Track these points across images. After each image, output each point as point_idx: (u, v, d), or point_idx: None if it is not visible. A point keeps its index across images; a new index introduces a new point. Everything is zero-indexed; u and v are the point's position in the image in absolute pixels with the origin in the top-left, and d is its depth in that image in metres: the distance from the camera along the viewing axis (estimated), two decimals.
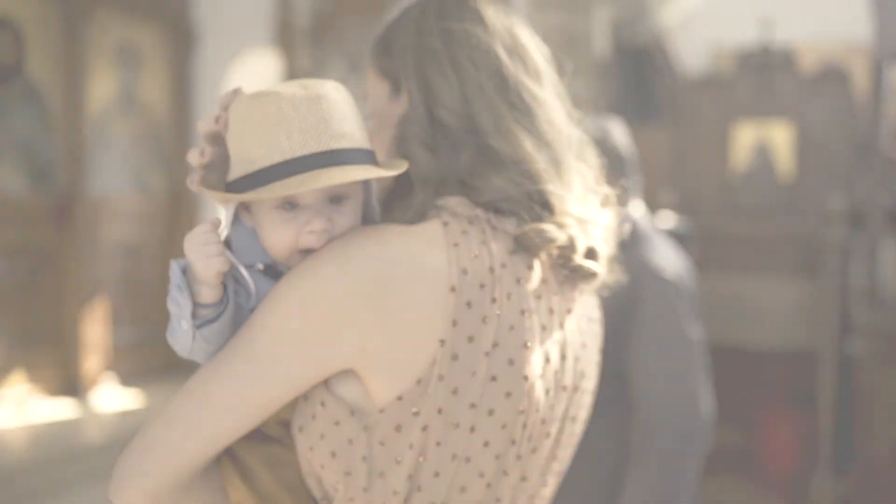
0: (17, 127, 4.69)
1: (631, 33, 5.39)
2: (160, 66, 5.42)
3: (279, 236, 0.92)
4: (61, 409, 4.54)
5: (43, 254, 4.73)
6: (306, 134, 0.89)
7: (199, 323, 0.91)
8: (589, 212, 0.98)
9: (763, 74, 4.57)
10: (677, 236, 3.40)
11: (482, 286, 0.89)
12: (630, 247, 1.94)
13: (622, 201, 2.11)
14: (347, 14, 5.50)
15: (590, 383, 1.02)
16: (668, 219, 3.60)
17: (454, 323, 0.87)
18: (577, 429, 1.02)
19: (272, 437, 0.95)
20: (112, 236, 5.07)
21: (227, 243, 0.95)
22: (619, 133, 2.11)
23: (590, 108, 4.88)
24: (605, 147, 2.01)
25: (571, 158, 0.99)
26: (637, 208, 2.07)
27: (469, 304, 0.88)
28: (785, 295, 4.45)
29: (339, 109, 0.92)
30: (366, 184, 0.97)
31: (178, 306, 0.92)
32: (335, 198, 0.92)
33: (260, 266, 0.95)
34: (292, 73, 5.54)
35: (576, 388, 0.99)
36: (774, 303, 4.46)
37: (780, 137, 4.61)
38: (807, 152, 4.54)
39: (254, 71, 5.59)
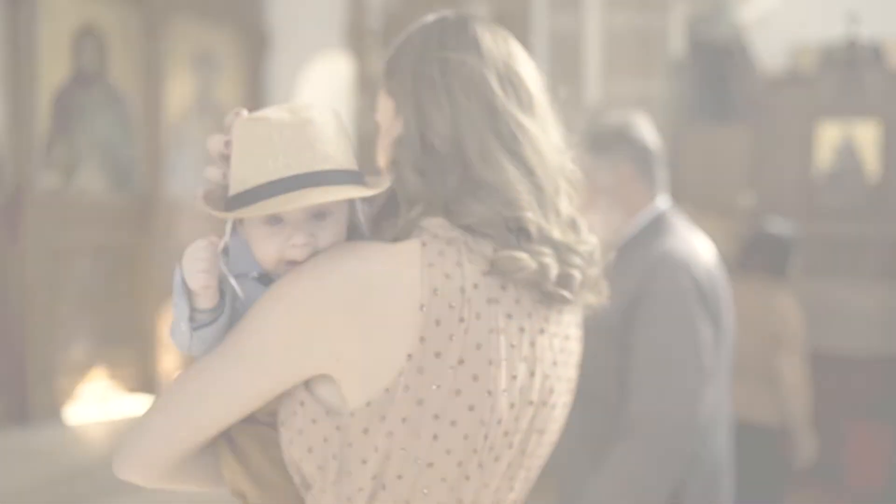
0: (99, 130, 4.83)
1: (707, 31, 5.25)
2: (235, 70, 5.51)
3: (265, 249, 1.01)
4: (140, 405, 4.66)
5: (122, 254, 4.86)
6: (290, 157, 0.98)
7: (195, 326, 1.01)
8: (570, 238, 1.03)
9: (849, 71, 4.40)
10: (787, 241, 3.29)
11: (451, 306, 0.95)
12: (652, 239, 1.96)
13: (651, 194, 2.06)
14: (418, 15, 5.51)
15: (560, 398, 1.07)
16: (777, 224, 3.47)
17: (422, 339, 0.94)
18: (546, 439, 1.08)
19: (263, 420, 1.03)
20: (189, 236, 5.15)
21: (226, 252, 1.04)
22: (644, 127, 2.09)
23: (663, 109, 4.76)
24: (628, 140, 2.03)
25: (559, 185, 1.04)
26: (664, 201, 2.06)
27: (437, 322, 0.95)
28: (871, 300, 4.28)
29: (324, 134, 0.99)
30: (351, 202, 1.04)
31: (178, 309, 1.01)
32: (318, 215, 1.00)
33: (254, 274, 1.04)
34: (364, 75, 5.58)
35: (543, 403, 1.04)
36: (860, 308, 4.29)
37: (866, 136, 4.43)
38: (895, 151, 4.36)
39: (326, 73, 5.64)
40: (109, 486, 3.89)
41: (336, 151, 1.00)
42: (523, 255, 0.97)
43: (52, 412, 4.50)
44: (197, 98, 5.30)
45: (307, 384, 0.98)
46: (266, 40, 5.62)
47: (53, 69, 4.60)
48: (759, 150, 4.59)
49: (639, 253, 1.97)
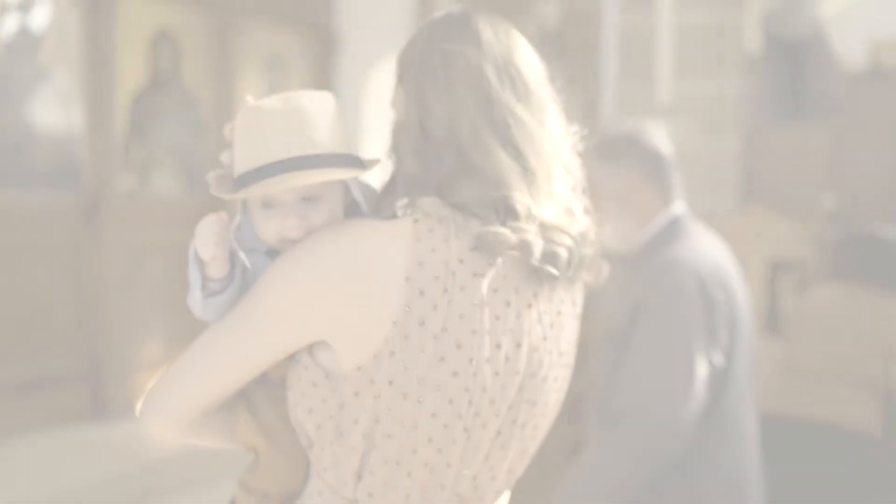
0: (172, 133, 4.94)
1: (784, 25, 5.09)
2: (305, 73, 5.58)
3: (265, 229, 1.11)
4: None
5: None
6: (278, 143, 1.06)
7: (208, 294, 1.12)
8: (561, 219, 1.10)
9: None
10: None
11: (436, 278, 1.03)
12: (663, 244, 2.00)
13: (664, 200, 2.08)
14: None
15: (552, 371, 1.13)
16: (888, 229, 3.32)
17: (407, 308, 1.02)
18: (539, 411, 1.14)
19: (276, 382, 1.13)
20: None
21: (239, 230, 1.15)
22: (655, 135, 2.14)
23: (738, 107, 4.64)
24: (637, 148, 2.07)
25: (553, 170, 1.10)
26: (679, 207, 2.10)
27: (422, 293, 1.02)
28: None
29: (312, 120, 1.07)
30: (345, 184, 1.13)
31: (192, 278, 1.13)
32: (308, 198, 1.09)
33: (264, 250, 1.14)
34: None
35: (532, 375, 1.10)
36: None
37: None
38: None
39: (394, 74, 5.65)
40: (182, 481, 3.97)
41: (324, 137, 1.07)
42: (505, 231, 1.04)
43: (128, 407, 4.62)
44: None
45: (310, 350, 1.08)
46: (335, 42, 5.66)
47: (130, 74, 4.72)
48: (840, 149, 4.43)
49: (650, 259, 2.00)
